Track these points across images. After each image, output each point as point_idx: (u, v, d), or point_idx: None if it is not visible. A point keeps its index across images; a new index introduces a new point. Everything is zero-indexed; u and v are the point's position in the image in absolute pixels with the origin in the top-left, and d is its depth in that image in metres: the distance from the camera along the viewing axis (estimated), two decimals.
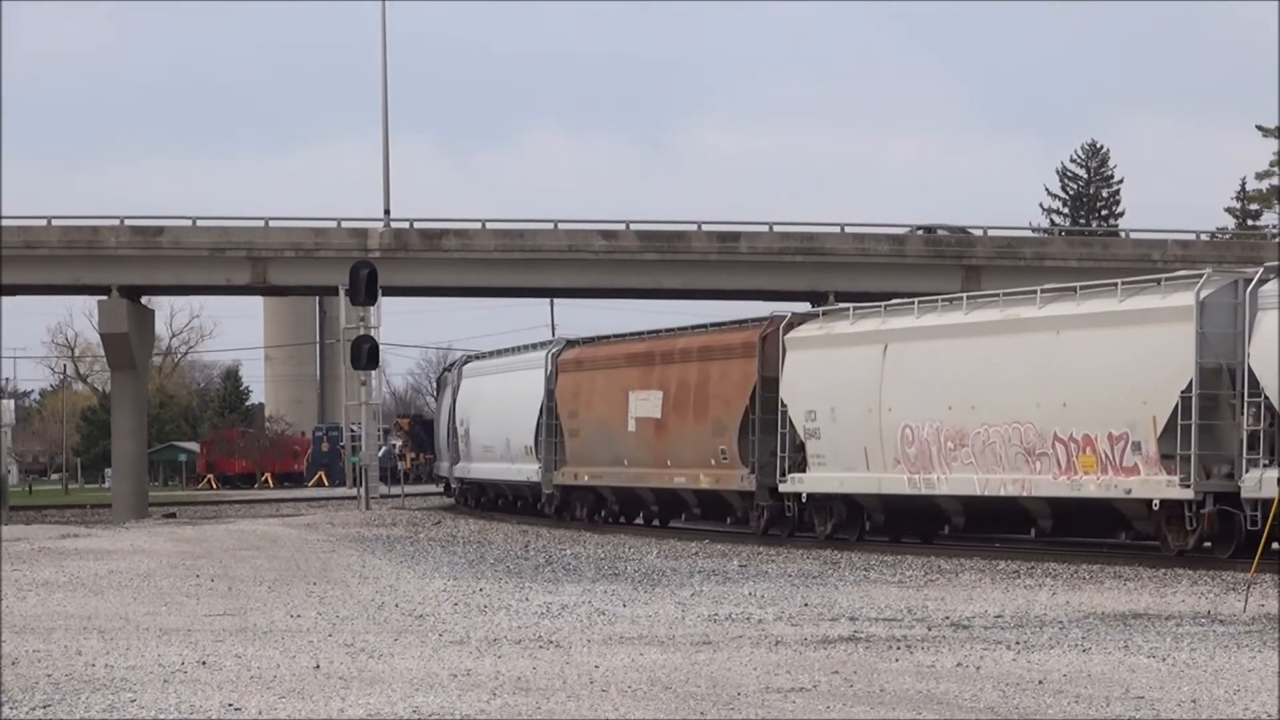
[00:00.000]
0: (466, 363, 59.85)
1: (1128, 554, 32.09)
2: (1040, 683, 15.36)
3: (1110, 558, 31.60)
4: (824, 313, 39.01)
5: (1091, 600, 23.96)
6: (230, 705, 14.03)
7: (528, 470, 50.36)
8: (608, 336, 48.71)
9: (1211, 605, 23.07)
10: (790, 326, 38.70)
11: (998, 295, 34.45)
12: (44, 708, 14.01)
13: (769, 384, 38.63)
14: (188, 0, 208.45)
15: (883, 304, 37.31)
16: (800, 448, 37.62)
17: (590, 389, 46.95)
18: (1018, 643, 18.38)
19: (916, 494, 34.95)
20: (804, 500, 37.60)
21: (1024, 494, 32.58)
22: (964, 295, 35.27)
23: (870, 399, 35.74)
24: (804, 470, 37.54)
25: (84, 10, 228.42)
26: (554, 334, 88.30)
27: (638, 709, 13.89)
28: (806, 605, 22.91)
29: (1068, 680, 15.52)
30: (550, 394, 48.69)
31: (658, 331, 46.02)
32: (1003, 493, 32.95)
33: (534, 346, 52.90)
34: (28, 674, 16.00)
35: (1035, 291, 33.38)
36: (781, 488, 38.04)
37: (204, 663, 16.67)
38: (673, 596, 24.30)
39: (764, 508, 39.06)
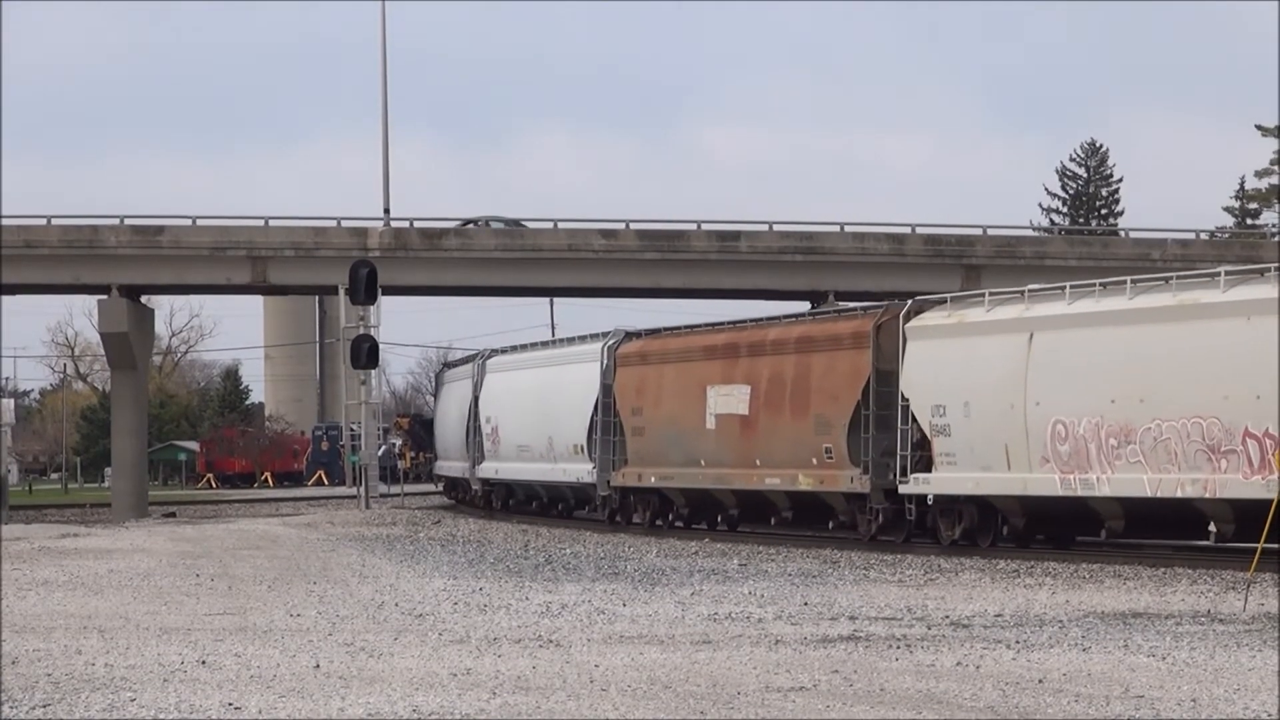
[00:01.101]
0: (490, 357, 56.57)
1: (1127, 554, 32.09)
2: (1040, 682, 15.36)
3: (1110, 557, 31.57)
4: (952, 299, 35.61)
5: (1091, 599, 23.96)
6: (230, 704, 14.03)
7: (577, 471, 47.31)
8: (678, 328, 45.86)
9: (1211, 604, 23.08)
10: (911, 314, 35.42)
11: (1168, 279, 31.44)
12: (44, 707, 14.02)
13: (883, 377, 35.56)
14: (189, 0, 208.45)
15: (1023, 289, 34.31)
16: (920, 445, 34.76)
17: (657, 384, 43.67)
18: (1017, 642, 18.38)
19: (1069, 496, 31.88)
20: (929, 503, 34.63)
21: (1205, 495, 29.43)
22: (1127, 279, 32.05)
23: (1013, 392, 32.73)
24: (927, 470, 34.59)
25: (84, 10, 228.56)
26: (554, 333, 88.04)
27: (638, 708, 13.89)
28: (806, 604, 22.91)
29: (1067, 679, 15.52)
30: (607, 389, 45.40)
31: (742, 322, 43.07)
32: (1179, 494, 29.79)
33: (584, 339, 49.44)
34: (28, 673, 16.00)
35: (1218, 273, 30.41)
36: (903, 489, 34.97)
37: (204, 662, 16.67)
38: (673, 596, 24.30)
39: (879, 511, 35.81)
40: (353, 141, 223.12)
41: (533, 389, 51.20)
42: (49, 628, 20.03)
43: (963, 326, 34.45)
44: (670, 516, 43.65)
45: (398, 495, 70.20)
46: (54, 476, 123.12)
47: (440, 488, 69.03)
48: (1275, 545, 26.91)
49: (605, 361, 45.80)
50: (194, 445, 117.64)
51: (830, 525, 38.13)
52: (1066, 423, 31.81)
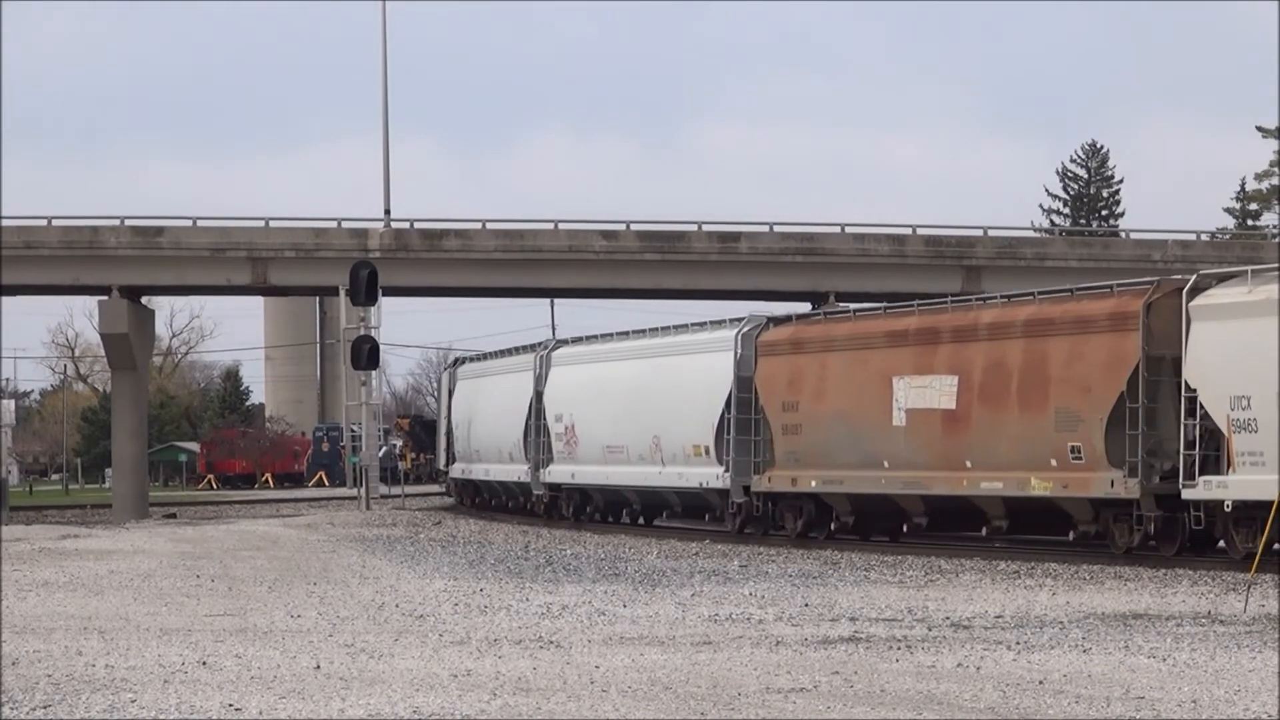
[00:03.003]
0: (556, 348, 51.36)
1: (1128, 555, 32.05)
2: (1041, 683, 15.36)
3: (1110, 558, 31.55)
4: (1252, 272, 30.46)
5: (1092, 600, 23.97)
6: (230, 705, 14.03)
7: (700, 475, 42.10)
8: (843, 311, 41.12)
9: (1212, 605, 23.08)
10: (1196, 290, 30.51)
11: None
12: (44, 708, 14.02)
13: (1152, 364, 31.05)
14: (188, 0, 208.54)
15: None
16: (1195, 443, 30.09)
17: (819, 375, 38.49)
18: (1018, 643, 18.38)
19: None
20: (1226, 509, 29.65)
21: None
22: None
23: None
24: (1217, 471, 29.83)
25: (84, 10, 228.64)
26: (554, 334, 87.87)
27: (638, 709, 13.89)
28: (807, 605, 22.91)
29: (1068, 680, 15.52)
30: (744, 382, 40.39)
31: (939, 302, 37.71)
32: None
33: (703, 326, 44.57)
34: (28, 674, 16.00)
35: None
36: (1188, 494, 29.98)
37: (204, 663, 16.67)
38: (673, 597, 24.31)
39: (1151, 519, 30.92)
40: (353, 142, 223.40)
41: (628, 383, 46.15)
42: (49, 629, 20.03)
43: (1270, 304, 29.55)
44: (832, 526, 38.47)
45: (398, 496, 70.20)
46: (54, 477, 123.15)
47: (447, 490, 68.38)
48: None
49: (740, 351, 40.83)
50: (194, 446, 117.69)
51: (1071, 536, 33.41)
52: None
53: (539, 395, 50.75)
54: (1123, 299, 32.16)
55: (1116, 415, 31.32)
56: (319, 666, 16.36)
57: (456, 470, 60.77)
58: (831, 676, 15.73)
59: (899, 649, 17.84)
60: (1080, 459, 32.03)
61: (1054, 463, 32.48)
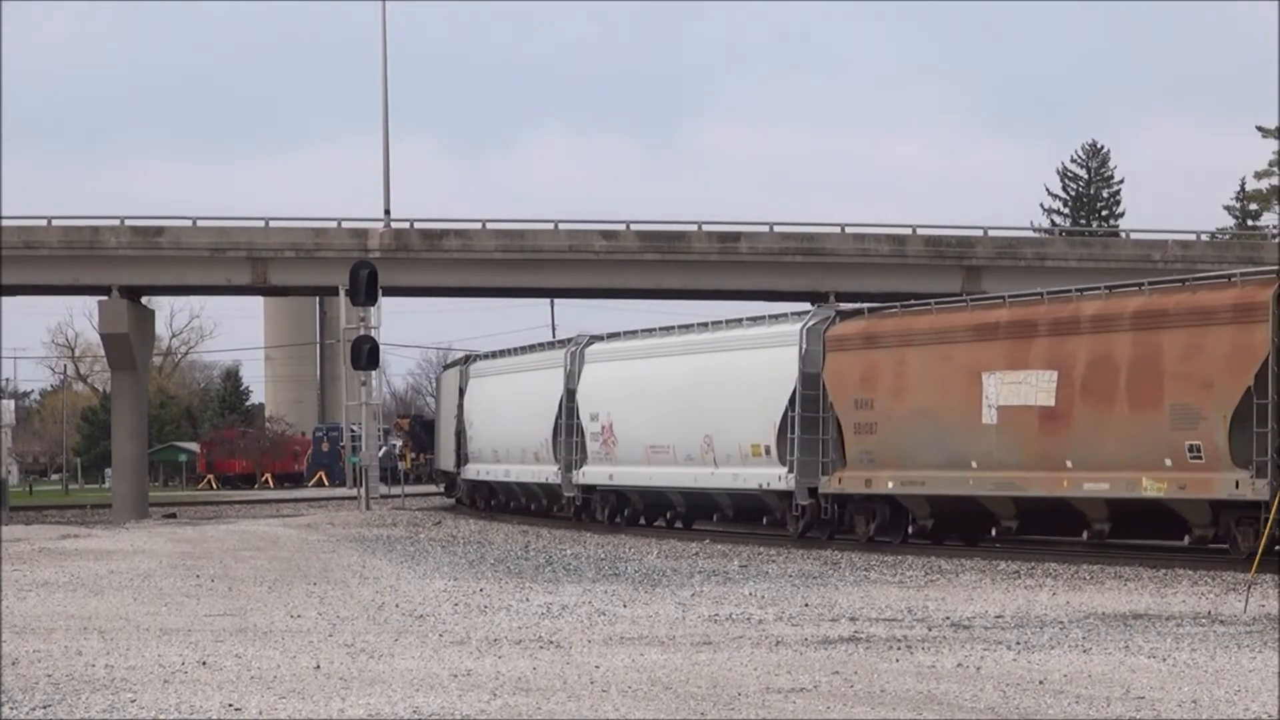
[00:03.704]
0: (589, 344, 49.00)
1: (1127, 554, 32.09)
2: (1041, 683, 15.36)
3: (1110, 558, 31.56)
4: None
5: (1092, 600, 23.97)
6: (230, 705, 14.03)
7: (759, 476, 40.01)
8: (922, 303, 38.33)
9: (1212, 605, 23.09)
10: None
11: None
12: (44, 708, 14.02)
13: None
14: (188, 0, 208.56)
15: None
16: None
17: (897, 371, 36.61)
18: (1018, 643, 18.38)
19: None
20: None
21: None
22: None
23: None
24: None
25: (84, 10, 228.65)
26: (554, 334, 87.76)
27: (638, 709, 13.89)
28: (807, 605, 22.92)
29: (1068, 680, 15.52)
30: (810, 379, 38.50)
31: (1031, 294, 35.46)
32: None
33: (759, 320, 42.55)
34: (28, 674, 16.00)
35: None
36: None
37: (204, 663, 16.68)
38: (673, 597, 24.31)
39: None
40: (353, 142, 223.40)
41: (675, 380, 44.19)
42: (49, 629, 20.03)
43: None
44: (909, 530, 36.67)
45: (398, 496, 70.20)
46: (54, 477, 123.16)
47: (446, 490, 68.30)
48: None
49: (805, 346, 38.89)
50: (194, 446, 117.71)
51: (1186, 540, 31.53)
52: None
53: (570, 393, 48.81)
54: (1246, 289, 30.39)
55: (1241, 412, 29.66)
56: (319, 666, 16.36)
57: (471, 472, 58.78)
58: (831, 676, 15.73)
59: (899, 649, 17.84)
60: (1200, 458, 30.20)
61: (1169, 462, 30.65)
